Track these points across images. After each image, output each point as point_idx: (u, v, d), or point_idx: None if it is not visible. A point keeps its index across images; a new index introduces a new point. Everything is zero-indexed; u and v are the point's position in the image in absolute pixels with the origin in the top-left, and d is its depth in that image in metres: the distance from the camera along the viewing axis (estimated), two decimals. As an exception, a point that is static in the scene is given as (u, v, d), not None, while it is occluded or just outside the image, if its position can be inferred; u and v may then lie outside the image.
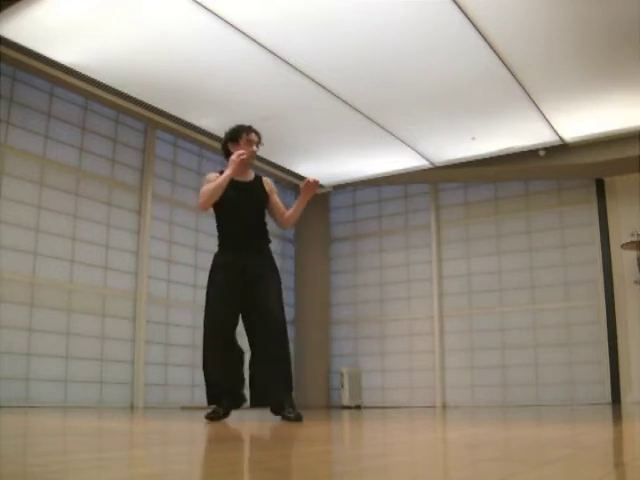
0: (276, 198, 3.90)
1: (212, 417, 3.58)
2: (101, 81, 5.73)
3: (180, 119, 6.56)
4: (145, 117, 6.51)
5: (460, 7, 4.55)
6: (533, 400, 7.31)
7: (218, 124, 6.71)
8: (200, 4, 4.57)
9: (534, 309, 7.51)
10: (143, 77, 5.66)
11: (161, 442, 2.30)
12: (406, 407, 7.73)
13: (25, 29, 4.89)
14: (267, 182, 3.91)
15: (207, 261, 7.27)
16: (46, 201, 5.79)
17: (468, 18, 4.68)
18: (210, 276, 3.77)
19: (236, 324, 3.72)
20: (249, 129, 3.85)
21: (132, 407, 6.19)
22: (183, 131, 6.82)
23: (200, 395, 6.90)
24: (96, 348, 6.02)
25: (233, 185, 3.69)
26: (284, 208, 3.92)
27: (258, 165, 7.69)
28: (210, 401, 3.71)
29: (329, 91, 5.87)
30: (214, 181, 3.68)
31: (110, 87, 5.85)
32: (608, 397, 6.94)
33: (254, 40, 5.04)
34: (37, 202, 5.72)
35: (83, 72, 5.56)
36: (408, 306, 8.25)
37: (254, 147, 3.80)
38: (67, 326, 5.82)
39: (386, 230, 8.59)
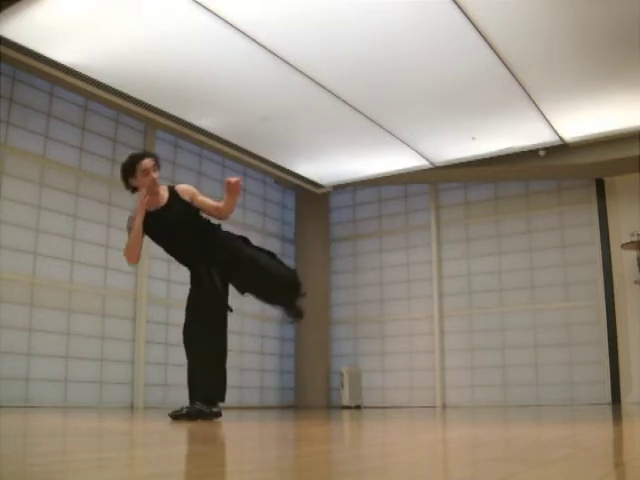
0: (201, 198, 3.82)
1: (175, 416, 3.60)
2: (101, 81, 5.73)
3: (180, 119, 6.56)
4: (145, 117, 6.51)
5: (460, 7, 4.55)
6: (533, 400, 7.31)
7: (218, 124, 6.72)
8: (200, 4, 4.57)
9: (534, 309, 7.51)
10: (143, 77, 5.66)
11: (161, 442, 2.30)
12: (406, 407, 7.73)
13: (25, 29, 4.89)
14: (182, 190, 3.81)
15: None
16: (46, 201, 5.79)
17: (468, 18, 4.67)
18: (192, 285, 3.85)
19: (225, 319, 3.97)
20: (140, 158, 3.74)
21: (132, 407, 6.19)
22: (183, 131, 6.82)
23: (200, 395, 6.91)
24: (96, 348, 6.02)
25: (150, 218, 3.70)
26: (214, 202, 3.83)
27: (259, 165, 7.69)
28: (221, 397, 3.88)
29: (329, 91, 5.87)
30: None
31: (110, 87, 5.85)
32: (608, 397, 6.94)
33: (254, 40, 5.03)
34: (37, 202, 5.72)
35: (83, 72, 5.56)
36: (408, 306, 8.25)
37: (152, 174, 3.68)
38: (67, 326, 5.82)
39: (386, 230, 8.59)
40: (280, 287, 3.88)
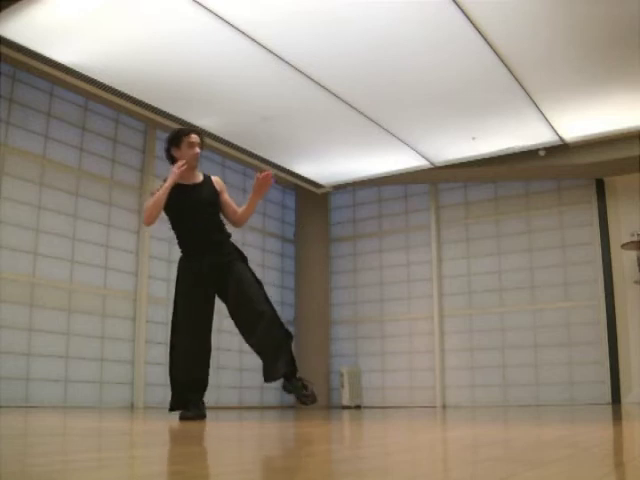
0: (227, 197, 3.89)
1: (188, 417, 3.57)
2: (101, 81, 5.73)
3: (180, 119, 6.56)
4: (145, 117, 6.51)
5: (460, 7, 4.55)
6: (533, 400, 7.31)
7: (218, 124, 6.72)
8: (200, 4, 4.57)
9: (534, 309, 7.51)
10: (143, 77, 5.66)
11: (161, 442, 2.30)
12: (406, 407, 7.73)
13: (25, 29, 4.89)
14: (217, 181, 3.91)
15: (207, 261, 7.29)
16: (46, 201, 5.79)
17: (468, 18, 4.68)
18: (177, 280, 3.82)
19: (209, 326, 3.79)
20: (189, 132, 3.84)
21: (132, 407, 6.19)
22: (183, 131, 6.81)
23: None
24: (96, 348, 6.03)
25: (181, 190, 3.73)
26: (236, 206, 3.90)
27: (259, 165, 7.69)
28: (174, 407, 3.72)
29: (329, 91, 5.87)
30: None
31: (110, 87, 5.85)
32: (608, 397, 6.94)
33: (254, 40, 5.04)
34: (37, 202, 5.72)
35: (83, 72, 5.56)
36: (408, 306, 8.25)
37: (196, 149, 3.78)
38: (67, 326, 5.82)
39: (386, 230, 8.59)
40: (261, 327, 3.70)
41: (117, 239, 6.39)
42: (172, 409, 3.72)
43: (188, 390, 3.69)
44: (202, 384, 3.75)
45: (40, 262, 5.67)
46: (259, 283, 3.81)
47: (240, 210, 3.87)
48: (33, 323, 5.54)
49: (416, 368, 8.06)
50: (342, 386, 7.78)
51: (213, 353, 7.22)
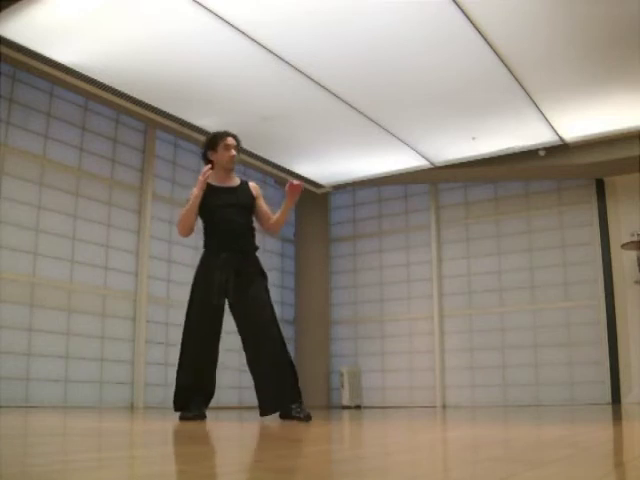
0: (262, 203, 3.90)
1: (187, 417, 3.55)
2: (101, 81, 5.73)
3: (180, 119, 6.56)
4: (145, 117, 6.51)
5: (460, 7, 4.55)
6: (533, 400, 7.31)
7: (218, 124, 6.70)
8: (200, 4, 4.57)
9: (534, 309, 7.51)
10: (143, 77, 5.66)
11: (161, 442, 2.30)
12: (406, 407, 7.73)
13: (25, 29, 4.89)
14: (254, 187, 3.92)
15: (207, 261, 7.28)
16: (46, 201, 5.79)
17: (468, 18, 4.67)
18: (195, 277, 3.79)
19: (219, 331, 3.77)
20: (225, 135, 3.86)
21: (132, 407, 6.19)
22: (183, 131, 6.82)
23: (200, 395, 6.92)
24: (96, 348, 6.02)
25: (216, 191, 3.75)
26: (270, 213, 3.90)
27: (259, 165, 7.70)
28: (177, 407, 3.68)
29: (329, 91, 5.87)
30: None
31: (110, 87, 5.85)
32: (608, 397, 6.94)
33: (254, 40, 5.04)
34: (37, 202, 5.72)
35: (83, 72, 5.56)
36: (408, 306, 8.25)
37: (232, 151, 3.81)
38: (67, 326, 5.82)
39: (386, 230, 8.59)
40: (265, 348, 3.67)
41: (117, 239, 6.39)
42: (176, 409, 3.70)
43: (191, 392, 3.67)
44: (208, 390, 3.73)
45: (40, 262, 5.67)
46: (271, 306, 3.77)
47: (274, 217, 3.87)
48: (33, 323, 5.54)
49: (416, 368, 8.06)
50: (342, 386, 7.78)
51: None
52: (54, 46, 5.17)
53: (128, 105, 6.21)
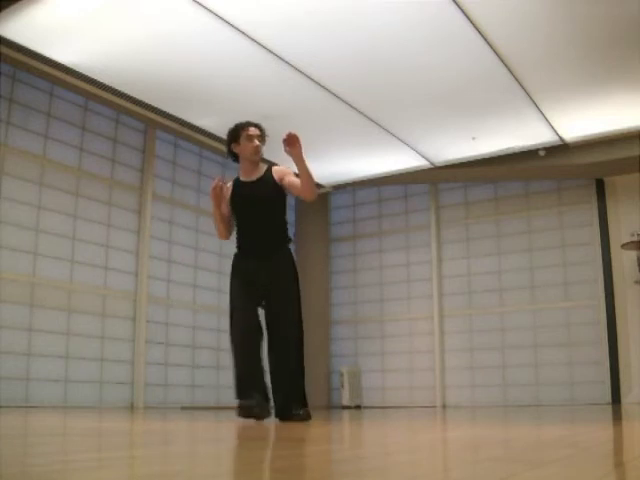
0: (290, 178, 3.63)
1: (245, 414, 3.42)
2: (101, 81, 5.73)
3: (180, 119, 6.56)
4: (145, 117, 6.51)
5: (460, 7, 4.55)
6: (533, 400, 7.31)
7: (218, 124, 6.71)
8: (200, 4, 4.57)
9: (534, 309, 7.51)
10: (143, 77, 5.66)
11: (161, 442, 2.30)
12: (406, 407, 7.73)
13: (25, 29, 4.89)
14: (277, 171, 3.69)
15: (208, 261, 7.31)
16: (46, 201, 5.79)
17: (468, 18, 4.68)
18: (230, 279, 3.74)
19: (257, 326, 3.62)
20: (247, 125, 3.70)
21: (132, 407, 6.19)
22: (183, 131, 6.82)
23: (200, 395, 6.92)
24: (96, 348, 6.02)
25: (241, 186, 3.65)
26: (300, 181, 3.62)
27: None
28: (239, 395, 3.62)
29: (329, 91, 5.87)
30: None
31: (110, 87, 5.85)
32: (608, 397, 6.94)
33: (254, 40, 5.04)
34: (37, 202, 5.72)
35: (83, 72, 5.56)
36: (408, 306, 8.25)
37: (255, 142, 3.64)
38: (67, 326, 5.82)
39: (386, 230, 8.59)
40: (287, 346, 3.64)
41: (117, 239, 6.39)
42: (237, 397, 3.64)
43: (245, 382, 3.63)
44: (257, 379, 3.63)
45: (40, 262, 5.67)
46: (294, 309, 3.68)
47: (299, 184, 3.60)
48: (33, 323, 5.54)
49: (416, 368, 8.06)
50: (342, 386, 7.78)
51: (213, 353, 7.21)
52: (54, 46, 5.17)
53: (128, 105, 6.21)
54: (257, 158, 3.67)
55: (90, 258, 6.10)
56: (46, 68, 5.46)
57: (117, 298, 6.30)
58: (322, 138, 7.03)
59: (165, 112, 6.40)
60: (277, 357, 3.62)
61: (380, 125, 6.59)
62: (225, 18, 4.75)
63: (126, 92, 5.97)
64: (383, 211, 8.66)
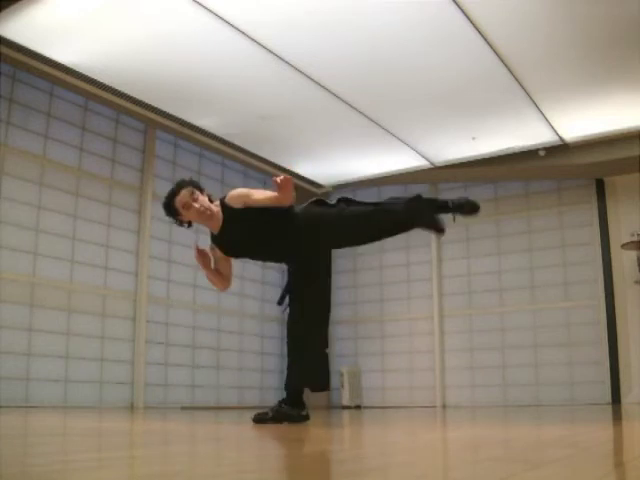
0: (254, 198, 3.40)
1: (259, 419, 3.31)
2: (101, 81, 5.73)
3: (180, 119, 6.56)
4: (145, 117, 6.51)
5: (460, 7, 4.55)
6: (533, 400, 7.31)
7: (218, 124, 6.72)
8: (200, 4, 4.57)
9: (534, 309, 7.51)
10: (143, 77, 5.66)
11: (161, 442, 2.30)
12: (406, 407, 7.73)
13: (25, 29, 4.89)
14: (231, 199, 3.41)
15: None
16: (46, 201, 5.79)
17: (468, 18, 4.68)
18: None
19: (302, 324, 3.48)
20: (173, 195, 3.37)
21: (132, 407, 6.19)
22: (183, 131, 6.82)
23: (200, 395, 6.92)
24: (96, 348, 6.02)
25: (222, 240, 3.46)
26: (269, 193, 3.40)
27: (259, 165, 7.70)
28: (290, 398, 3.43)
29: (329, 91, 5.87)
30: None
31: (110, 87, 5.85)
32: (608, 397, 6.94)
33: (254, 40, 5.04)
34: (37, 202, 5.72)
35: (83, 72, 5.56)
36: (408, 306, 8.25)
37: (193, 207, 3.33)
38: (67, 326, 5.82)
39: (386, 230, 8.57)
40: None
41: (117, 239, 6.39)
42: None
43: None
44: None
45: (40, 262, 5.67)
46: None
47: (277, 195, 3.33)
48: (33, 323, 5.54)
49: (416, 368, 8.06)
50: (342, 386, 7.78)
51: (213, 353, 7.21)
52: (54, 46, 5.17)
53: (128, 105, 6.21)
54: (206, 216, 3.39)
55: (90, 258, 6.10)
56: (46, 68, 5.46)
57: (117, 298, 6.30)
58: (322, 138, 7.03)
59: (165, 112, 6.40)
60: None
61: (380, 125, 6.59)
62: (225, 18, 4.75)
63: (126, 92, 5.97)
64: (383, 211, 8.65)
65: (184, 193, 3.34)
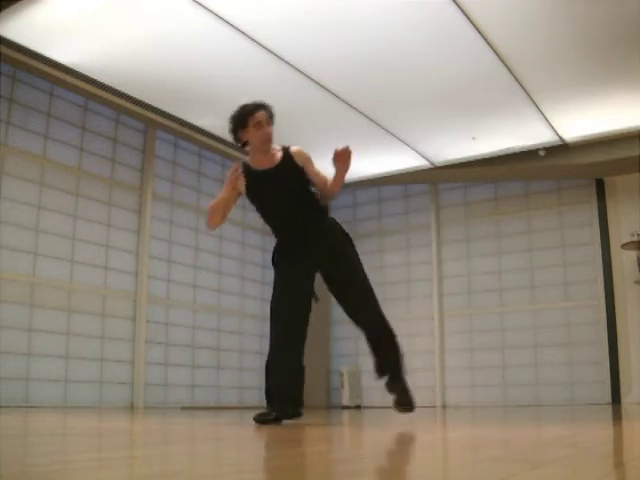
0: (312, 168, 3.41)
1: (261, 420, 3.20)
2: (101, 81, 5.74)
3: (180, 119, 6.56)
4: (145, 117, 6.51)
5: (460, 7, 4.55)
6: (533, 400, 7.31)
7: (218, 124, 6.71)
8: (200, 4, 4.57)
9: (534, 309, 7.51)
10: (143, 77, 5.66)
11: (161, 442, 2.30)
12: (406, 407, 7.72)
13: (25, 29, 4.89)
14: (297, 153, 3.41)
15: (208, 261, 7.30)
16: (46, 201, 5.79)
17: (468, 18, 4.68)
18: (274, 270, 3.47)
19: (306, 321, 3.37)
20: (254, 109, 3.33)
21: (132, 407, 6.19)
22: (183, 131, 6.82)
23: (200, 395, 6.92)
24: (96, 348, 6.02)
25: (257, 177, 3.34)
26: (324, 177, 3.42)
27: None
28: (268, 400, 3.32)
29: (329, 91, 5.87)
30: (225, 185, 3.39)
31: (110, 87, 5.85)
32: (608, 397, 6.94)
33: (254, 40, 5.04)
34: (37, 202, 5.72)
35: (83, 72, 5.56)
36: (408, 306, 8.25)
37: (265, 129, 3.32)
38: (67, 326, 5.82)
39: (386, 230, 8.59)
40: (370, 312, 3.43)
41: (117, 239, 6.39)
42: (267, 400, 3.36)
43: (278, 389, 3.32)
44: (294, 384, 3.32)
45: (40, 262, 5.67)
46: (362, 279, 3.45)
47: (328, 185, 3.40)
48: (33, 323, 5.54)
49: (416, 368, 8.06)
50: (342, 386, 7.78)
51: (213, 353, 7.21)
52: (54, 46, 5.17)
53: (128, 105, 6.21)
54: (269, 146, 3.38)
55: (90, 258, 6.10)
56: (46, 68, 5.46)
57: (117, 298, 6.30)
58: (322, 138, 7.01)
59: (165, 112, 6.40)
60: (366, 328, 3.44)
61: (380, 125, 6.59)
62: (225, 18, 4.75)
63: (126, 92, 5.97)
64: (383, 211, 8.66)
65: (262, 113, 3.33)
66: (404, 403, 3.36)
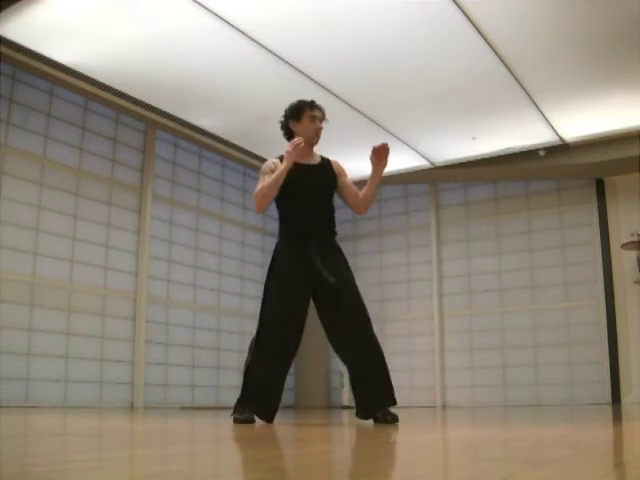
0: (347, 180, 3.53)
1: (240, 420, 3.21)
2: (101, 81, 5.73)
3: (180, 119, 6.56)
4: (145, 117, 6.52)
5: (460, 7, 4.55)
6: (533, 400, 7.31)
7: (218, 124, 6.73)
8: (200, 4, 4.57)
9: (534, 309, 7.51)
10: (143, 77, 5.66)
11: (161, 442, 2.30)
12: (406, 407, 7.73)
13: (25, 29, 4.89)
14: (336, 163, 3.57)
15: (208, 261, 7.31)
16: (46, 201, 5.79)
17: (468, 18, 4.68)
18: (271, 269, 3.43)
19: (301, 328, 3.38)
20: (312, 105, 3.44)
21: (132, 407, 6.19)
22: (183, 131, 6.82)
23: (200, 395, 6.93)
24: (96, 348, 6.03)
25: (297, 169, 3.33)
26: (357, 189, 3.51)
27: (259, 165, 7.69)
28: (241, 403, 3.28)
29: (329, 91, 5.87)
30: (270, 174, 3.32)
31: (110, 87, 5.85)
32: (608, 397, 6.94)
33: (254, 40, 5.04)
34: (37, 202, 5.72)
35: (83, 72, 5.56)
36: (408, 306, 8.25)
37: (318, 124, 3.43)
38: (67, 326, 5.82)
39: (386, 230, 8.59)
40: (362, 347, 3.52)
41: (117, 239, 6.39)
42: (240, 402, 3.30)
43: (260, 393, 3.28)
44: (276, 390, 3.31)
45: (40, 262, 5.67)
46: (363, 303, 3.62)
47: (361, 193, 3.50)
48: (33, 323, 5.54)
49: (416, 368, 8.06)
50: (342, 386, 7.78)
51: (213, 353, 7.22)
52: (54, 46, 5.17)
53: (128, 105, 6.21)
54: (317, 141, 3.49)
55: (90, 258, 6.10)
56: (46, 68, 5.46)
57: (117, 298, 6.30)
58: (322, 138, 7.02)
59: (165, 112, 6.40)
60: (360, 355, 3.54)
61: (380, 125, 6.59)
62: (225, 18, 4.75)
63: (126, 92, 5.97)
64: (383, 211, 8.66)
65: (319, 110, 3.47)
66: (390, 421, 3.36)
